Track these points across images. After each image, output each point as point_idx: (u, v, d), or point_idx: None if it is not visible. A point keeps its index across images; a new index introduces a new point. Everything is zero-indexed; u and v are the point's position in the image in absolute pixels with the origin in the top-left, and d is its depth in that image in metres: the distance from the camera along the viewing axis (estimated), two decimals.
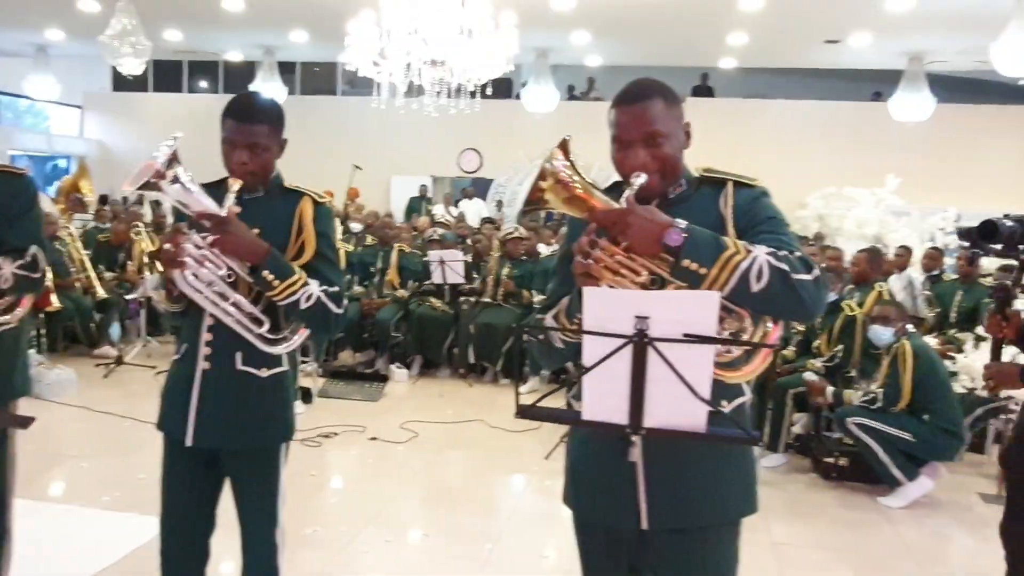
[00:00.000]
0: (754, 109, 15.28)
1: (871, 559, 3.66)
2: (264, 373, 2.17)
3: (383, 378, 6.56)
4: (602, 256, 1.62)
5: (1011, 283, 2.89)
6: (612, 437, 1.62)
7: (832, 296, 4.97)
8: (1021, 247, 2.79)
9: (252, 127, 2.07)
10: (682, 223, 1.58)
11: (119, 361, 6.73)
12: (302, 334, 2.17)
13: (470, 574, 3.33)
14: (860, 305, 5.00)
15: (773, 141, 14.32)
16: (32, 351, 6.14)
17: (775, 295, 1.56)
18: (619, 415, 1.54)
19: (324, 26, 12.04)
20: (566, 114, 13.79)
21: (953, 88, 15.27)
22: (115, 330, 7.52)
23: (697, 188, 1.80)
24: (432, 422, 5.49)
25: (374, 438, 5.10)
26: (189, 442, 2.15)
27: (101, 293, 7.30)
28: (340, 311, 2.12)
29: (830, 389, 4.67)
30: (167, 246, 2.02)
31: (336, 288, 2.12)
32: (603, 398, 1.54)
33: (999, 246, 2.85)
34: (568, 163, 1.71)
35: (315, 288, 2.06)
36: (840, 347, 4.99)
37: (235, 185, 2.05)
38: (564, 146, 1.72)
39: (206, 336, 2.13)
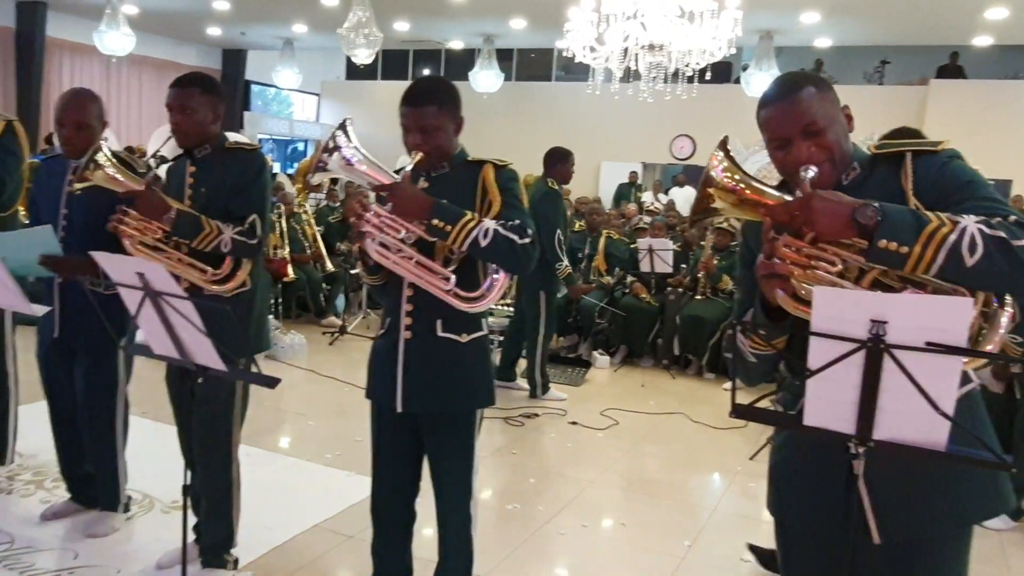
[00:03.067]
0: (1010, 91, 13.68)
1: None
2: (464, 338, 2.25)
3: (586, 364, 6.59)
4: (788, 252, 1.49)
5: None
6: (834, 446, 1.50)
7: None
8: None
9: (420, 109, 2.17)
10: (873, 202, 1.43)
11: (343, 331, 7.27)
12: (499, 288, 2.19)
13: (665, 568, 3.26)
14: None
15: None
16: (270, 317, 6.79)
17: (995, 267, 1.37)
18: (845, 424, 1.43)
19: (543, 13, 12.22)
20: None
21: None
22: (340, 302, 8.15)
23: (872, 169, 1.62)
24: (633, 411, 5.44)
25: (574, 423, 5.14)
26: (400, 408, 2.27)
27: (329, 267, 7.93)
28: (526, 241, 2.09)
29: None
30: (352, 220, 2.15)
31: (518, 221, 2.11)
32: (828, 404, 1.43)
33: None
34: (730, 163, 1.60)
35: (490, 223, 2.08)
36: None
37: (415, 156, 2.15)
38: (723, 146, 1.62)
39: (407, 307, 2.24)
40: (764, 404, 1.59)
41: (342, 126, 2.16)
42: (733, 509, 3.99)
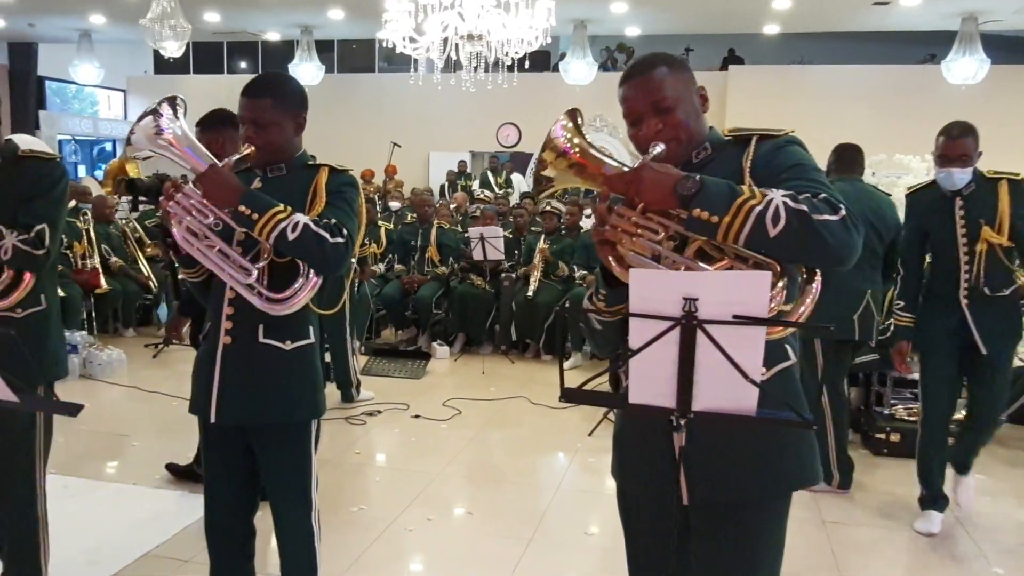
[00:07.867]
0: (798, 76, 14.89)
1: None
2: (288, 346, 2.14)
3: (426, 356, 6.57)
4: (619, 221, 1.58)
5: None
6: (659, 420, 1.57)
7: None
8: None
9: (255, 101, 2.09)
10: (695, 175, 1.52)
11: (167, 342, 6.84)
12: (309, 288, 2.07)
13: (514, 552, 3.32)
14: None
15: (818, 108, 13.93)
16: (83, 332, 6.28)
17: (795, 238, 1.47)
18: (666, 399, 1.49)
19: (361, 4, 12.00)
20: (605, 85, 13.58)
21: (1009, 48, 14.72)
22: (163, 311, 7.67)
23: (723, 150, 1.72)
24: (475, 399, 5.49)
25: (417, 416, 5.11)
26: (212, 419, 2.15)
27: (149, 275, 7.44)
28: (338, 240, 2.01)
29: None
30: (163, 201, 2.05)
31: (333, 220, 2.04)
32: (650, 381, 1.49)
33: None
34: (573, 132, 1.64)
35: (302, 218, 1.99)
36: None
37: (246, 149, 2.08)
38: (572, 115, 1.66)
39: (227, 310, 2.13)
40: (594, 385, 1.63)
41: (171, 99, 2.02)
42: (575, 486, 4.12)
